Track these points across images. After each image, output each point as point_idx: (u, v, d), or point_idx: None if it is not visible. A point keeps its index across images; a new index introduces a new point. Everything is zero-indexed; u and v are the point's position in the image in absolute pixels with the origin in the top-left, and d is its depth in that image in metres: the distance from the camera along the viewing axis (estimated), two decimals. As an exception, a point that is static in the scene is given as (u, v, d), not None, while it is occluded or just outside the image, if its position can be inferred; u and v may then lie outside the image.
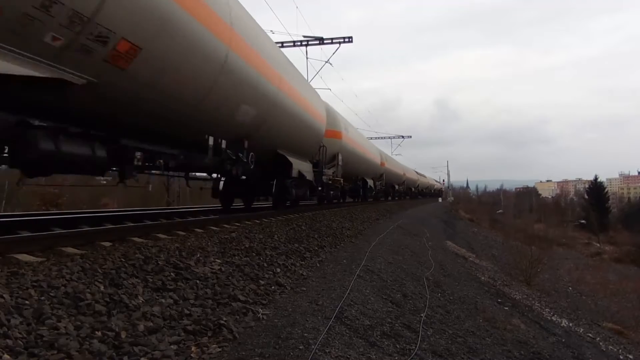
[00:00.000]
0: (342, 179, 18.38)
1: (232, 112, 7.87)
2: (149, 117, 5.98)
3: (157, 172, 7.16)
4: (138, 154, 6.00)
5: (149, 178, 7.74)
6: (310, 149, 13.78)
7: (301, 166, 12.46)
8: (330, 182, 17.04)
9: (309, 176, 13.29)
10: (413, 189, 54.55)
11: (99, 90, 4.78)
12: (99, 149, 5.23)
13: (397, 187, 40.39)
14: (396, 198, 42.24)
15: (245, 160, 8.99)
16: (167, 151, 6.75)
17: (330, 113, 17.24)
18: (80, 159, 5.01)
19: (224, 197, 11.52)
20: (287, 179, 11.85)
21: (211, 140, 7.71)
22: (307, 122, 12.47)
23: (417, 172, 59.46)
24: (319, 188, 15.39)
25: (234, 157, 8.58)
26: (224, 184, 11.41)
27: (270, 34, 12.10)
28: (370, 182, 26.29)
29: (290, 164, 11.36)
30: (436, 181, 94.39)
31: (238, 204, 12.50)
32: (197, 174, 9.22)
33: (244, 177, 10.33)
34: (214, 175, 9.62)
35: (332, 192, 18.63)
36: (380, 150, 32.69)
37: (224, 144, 8.09)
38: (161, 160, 6.54)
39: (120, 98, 5.25)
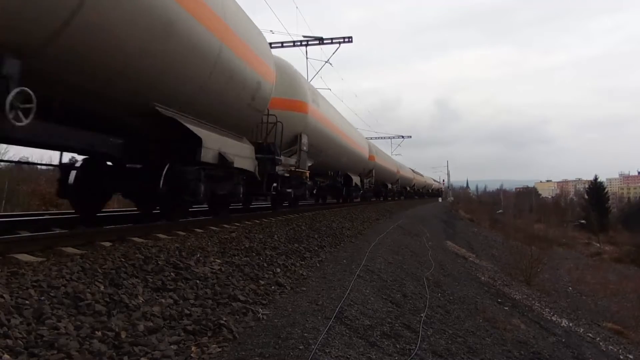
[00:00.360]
0: (307, 172, 13.28)
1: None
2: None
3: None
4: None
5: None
6: (242, 119, 8.74)
7: (225, 145, 7.80)
8: (288, 174, 12.01)
9: (246, 164, 8.76)
10: (408, 189, 50.79)
11: None
12: None
13: (389, 185, 36.64)
14: (389, 199, 39.12)
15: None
16: None
17: (288, 74, 12.06)
18: None
19: (80, 197, 7.11)
20: (189, 166, 6.89)
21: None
22: (231, 67, 7.39)
23: (413, 170, 55.41)
24: (273, 184, 10.84)
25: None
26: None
27: (270, 34, 11.96)
28: (355, 179, 22.09)
29: (198, 139, 6.62)
30: (434, 180, 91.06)
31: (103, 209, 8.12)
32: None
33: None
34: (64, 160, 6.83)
35: (291, 190, 12.59)
36: (370, 142, 28.80)
37: None
38: None
39: None
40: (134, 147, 6.17)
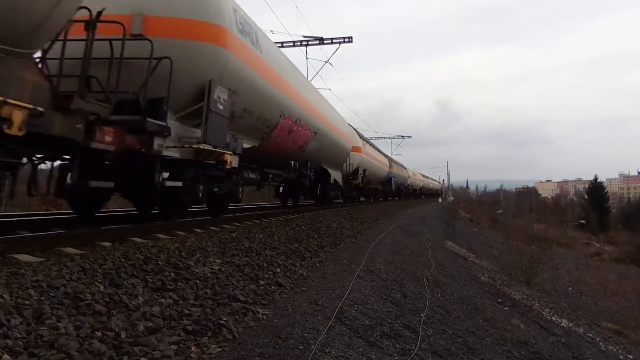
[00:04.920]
0: (228, 154, 7.48)
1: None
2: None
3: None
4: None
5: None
6: None
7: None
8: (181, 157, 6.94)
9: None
10: (403, 188, 46.27)
11: None
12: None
13: (379, 186, 32.66)
14: (380, 199, 35.85)
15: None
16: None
17: None
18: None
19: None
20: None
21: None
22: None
23: (404, 167, 48.22)
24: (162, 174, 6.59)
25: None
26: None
27: (270, 34, 11.86)
28: (335, 175, 18.03)
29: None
30: (432, 179, 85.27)
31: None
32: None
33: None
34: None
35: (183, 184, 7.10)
36: (358, 131, 25.34)
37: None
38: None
39: None
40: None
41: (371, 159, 27.03)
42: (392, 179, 35.84)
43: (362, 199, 31.09)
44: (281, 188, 15.55)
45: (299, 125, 12.05)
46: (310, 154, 14.11)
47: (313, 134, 13.57)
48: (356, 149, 22.22)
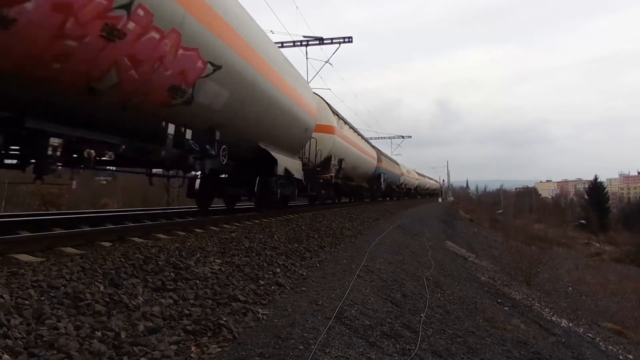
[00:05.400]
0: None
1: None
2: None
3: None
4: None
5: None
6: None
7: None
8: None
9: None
10: (395, 187, 39.38)
11: None
12: None
13: (365, 183, 26.09)
14: (366, 200, 29.35)
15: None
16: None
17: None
18: None
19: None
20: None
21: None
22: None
23: (397, 163, 41.59)
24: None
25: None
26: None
27: (270, 34, 11.48)
28: (287, 163, 11.28)
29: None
30: (428, 178, 78.11)
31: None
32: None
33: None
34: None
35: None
36: (332, 106, 17.48)
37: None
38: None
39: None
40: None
41: (351, 147, 20.26)
42: (382, 175, 29.67)
43: (328, 200, 20.66)
44: (197, 182, 10.34)
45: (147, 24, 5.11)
46: (210, 110, 7.17)
47: (209, 66, 6.45)
48: (326, 128, 15.90)
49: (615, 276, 32.57)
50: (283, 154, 11.26)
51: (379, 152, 30.64)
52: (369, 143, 27.56)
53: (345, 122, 20.27)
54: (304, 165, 13.59)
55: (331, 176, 16.71)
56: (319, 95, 16.67)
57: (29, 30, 3.77)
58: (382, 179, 29.98)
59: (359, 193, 27.07)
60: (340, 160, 18.12)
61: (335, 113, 17.88)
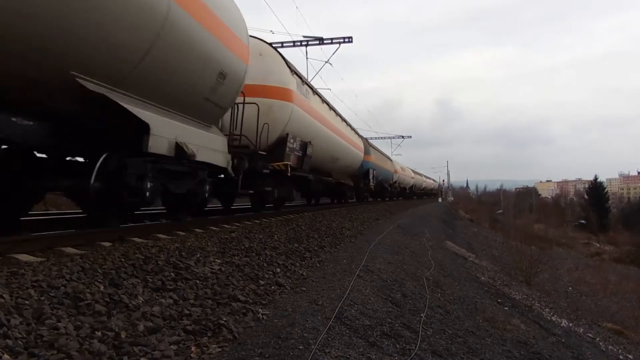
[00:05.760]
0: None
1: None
2: None
3: None
4: None
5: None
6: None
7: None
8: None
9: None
10: (387, 186, 34.50)
11: None
12: None
13: (349, 180, 21.65)
14: (351, 200, 24.73)
15: None
16: None
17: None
18: None
19: None
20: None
21: None
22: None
23: (390, 159, 37.66)
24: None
25: None
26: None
27: (270, 34, 10.87)
28: (178, 132, 6.09)
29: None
30: (426, 177, 73.43)
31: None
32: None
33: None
34: None
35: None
36: (294, 67, 12.09)
37: None
38: None
39: None
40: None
41: (325, 127, 14.91)
42: (371, 171, 25.08)
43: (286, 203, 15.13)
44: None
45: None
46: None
47: None
48: (278, 92, 10.91)
49: (615, 276, 32.56)
50: (166, 113, 5.99)
51: (367, 142, 25.71)
52: (354, 131, 21.97)
53: (315, 92, 14.47)
54: (234, 145, 8.87)
55: (287, 165, 10.96)
56: (262, 40, 11.41)
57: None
58: (371, 176, 25.06)
59: (339, 192, 21.60)
60: (305, 144, 12.56)
61: (295, 72, 11.96)
